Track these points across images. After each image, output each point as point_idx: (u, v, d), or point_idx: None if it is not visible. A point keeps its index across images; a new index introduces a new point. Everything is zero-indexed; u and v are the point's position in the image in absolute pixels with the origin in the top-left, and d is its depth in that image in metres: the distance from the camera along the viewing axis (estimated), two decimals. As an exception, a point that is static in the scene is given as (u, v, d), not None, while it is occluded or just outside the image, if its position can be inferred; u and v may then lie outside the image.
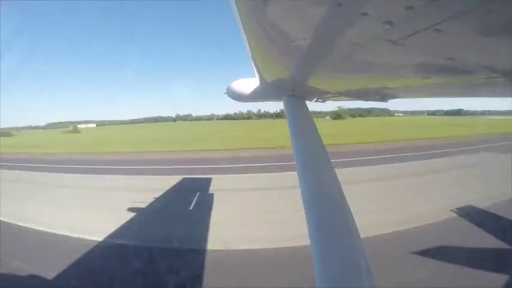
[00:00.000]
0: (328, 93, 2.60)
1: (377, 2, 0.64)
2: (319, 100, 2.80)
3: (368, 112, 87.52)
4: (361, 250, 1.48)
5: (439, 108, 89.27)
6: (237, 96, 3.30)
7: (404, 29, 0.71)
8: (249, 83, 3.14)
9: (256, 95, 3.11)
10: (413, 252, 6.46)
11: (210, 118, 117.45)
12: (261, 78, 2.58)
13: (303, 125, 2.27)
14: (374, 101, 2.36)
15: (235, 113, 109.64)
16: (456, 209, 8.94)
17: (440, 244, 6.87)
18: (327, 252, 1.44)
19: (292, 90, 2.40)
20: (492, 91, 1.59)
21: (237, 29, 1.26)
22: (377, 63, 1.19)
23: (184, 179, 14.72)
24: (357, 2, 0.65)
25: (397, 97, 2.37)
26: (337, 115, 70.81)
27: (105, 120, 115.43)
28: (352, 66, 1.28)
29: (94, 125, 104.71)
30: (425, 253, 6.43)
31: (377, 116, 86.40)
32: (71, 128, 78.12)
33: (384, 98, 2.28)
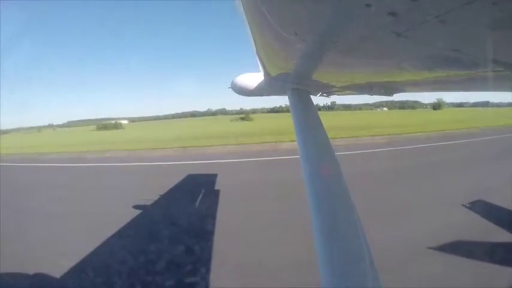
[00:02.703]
0: (333, 87, 2.56)
1: None
2: (324, 94, 2.76)
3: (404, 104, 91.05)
4: (367, 249, 1.44)
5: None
6: (242, 91, 3.31)
7: (409, 20, 0.69)
8: (253, 78, 3.14)
9: (261, 90, 3.10)
10: None
11: (254, 111, 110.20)
12: (266, 73, 2.56)
13: (308, 119, 2.26)
14: (379, 95, 2.29)
15: (280, 106, 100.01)
16: None
17: None
18: (333, 251, 1.40)
19: (296, 84, 2.37)
20: (501, 85, 1.51)
21: (241, 22, 1.24)
22: (383, 56, 1.16)
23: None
24: None
25: (403, 91, 2.29)
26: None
27: (136, 117, 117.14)
28: (357, 60, 1.25)
29: (126, 121, 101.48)
30: None
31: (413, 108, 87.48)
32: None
33: (389, 91, 2.22)
